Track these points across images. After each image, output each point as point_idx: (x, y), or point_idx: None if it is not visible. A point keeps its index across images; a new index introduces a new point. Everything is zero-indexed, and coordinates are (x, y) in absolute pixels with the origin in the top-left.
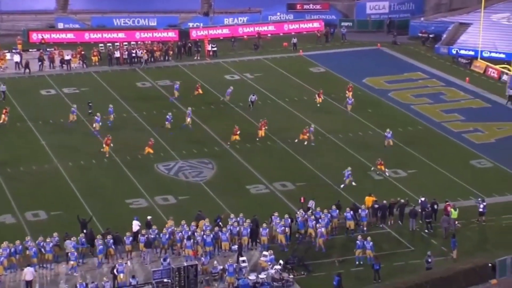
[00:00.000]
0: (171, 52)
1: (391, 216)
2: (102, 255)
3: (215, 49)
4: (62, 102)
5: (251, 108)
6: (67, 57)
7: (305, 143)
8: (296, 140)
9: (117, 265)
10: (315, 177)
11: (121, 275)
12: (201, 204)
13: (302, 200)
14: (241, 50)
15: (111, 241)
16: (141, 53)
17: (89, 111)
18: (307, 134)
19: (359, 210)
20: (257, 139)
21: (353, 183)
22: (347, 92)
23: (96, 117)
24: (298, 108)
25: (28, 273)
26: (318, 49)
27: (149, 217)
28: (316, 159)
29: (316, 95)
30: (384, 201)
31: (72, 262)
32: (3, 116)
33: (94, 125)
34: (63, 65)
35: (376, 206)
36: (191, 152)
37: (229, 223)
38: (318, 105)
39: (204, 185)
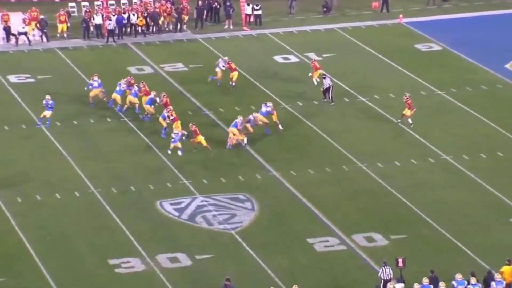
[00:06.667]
0: (186, 17)
1: None
2: None
3: (259, 12)
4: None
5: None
6: (22, 29)
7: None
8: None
9: None
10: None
11: None
12: (233, 268)
13: (400, 264)
14: (302, 13)
15: None
16: (137, 18)
17: None
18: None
19: (493, 283)
20: None
21: None
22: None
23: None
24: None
25: None
26: (428, 12)
27: None
28: None
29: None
30: None
31: None
32: None
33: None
34: (11, 37)
35: None
36: (217, 182)
37: None
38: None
39: (238, 237)
